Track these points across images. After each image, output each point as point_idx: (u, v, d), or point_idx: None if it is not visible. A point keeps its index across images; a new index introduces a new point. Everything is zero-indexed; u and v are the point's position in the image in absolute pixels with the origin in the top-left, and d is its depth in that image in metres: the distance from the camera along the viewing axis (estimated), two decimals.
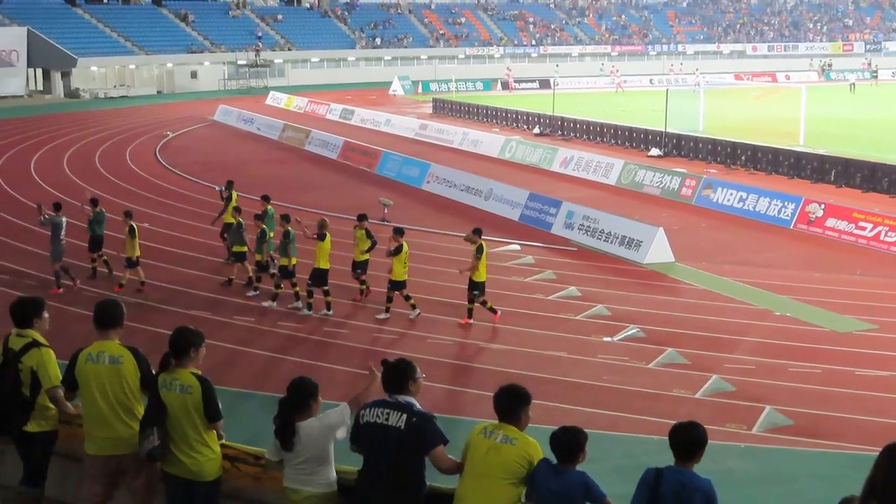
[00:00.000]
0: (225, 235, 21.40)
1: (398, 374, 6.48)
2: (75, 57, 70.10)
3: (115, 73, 76.54)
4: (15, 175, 34.92)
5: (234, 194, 22.30)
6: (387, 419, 6.36)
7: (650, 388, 14.20)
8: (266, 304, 18.38)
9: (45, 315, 7.76)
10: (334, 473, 6.75)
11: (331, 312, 17.71)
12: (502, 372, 14.20)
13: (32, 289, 18.85)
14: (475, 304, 17.20)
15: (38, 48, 70.20)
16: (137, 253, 19.25)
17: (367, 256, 18.35)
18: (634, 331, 16.77)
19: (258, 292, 19.08)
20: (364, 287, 18.71)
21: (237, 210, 20.23)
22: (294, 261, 18.23)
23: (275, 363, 15.45)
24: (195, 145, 44.87)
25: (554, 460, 6.15)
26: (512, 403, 6.30)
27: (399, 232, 17.66)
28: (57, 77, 72.94)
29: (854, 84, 72.97)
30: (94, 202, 20.89)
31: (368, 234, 18.37)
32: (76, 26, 74.86)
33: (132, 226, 19.26)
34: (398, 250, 17.21)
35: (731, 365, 15.07)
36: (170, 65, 77.37)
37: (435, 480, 6.59)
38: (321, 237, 17.71)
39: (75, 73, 72.65)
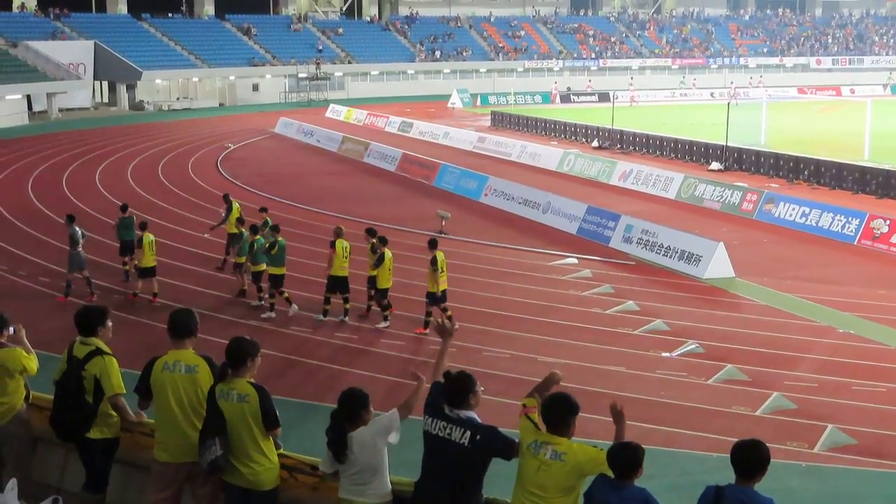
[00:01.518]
0: (230, 248, 21.73)
1: (460, 388, 6.45)
2: (140, 70, 71.30)
3: (178, 86, 77.77)
4: (81, 186, 35.61)
5: (235, 205, 22.49)
6: (449, 434, 6.35)
7: (709, 405, 14.03)
8: (291, 312, 18.56)
9: (109, 323, 7.87)
10: (389, 484, 6.75)
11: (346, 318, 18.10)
12: (559, 386, 14.08)
13: (98, 299, 19.22)
14: (444, 314, 17.27)
15: (105, 61, 71.57)
16: (151, 263, 19.46)
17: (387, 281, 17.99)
18: (693, 346, 16.59)
19: (263, 303, 19.25)
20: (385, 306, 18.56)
21: (240, 221, 20.40)
22: (282, 270, 18.57)
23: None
24: (256, 157, 45.38)
25: (610, 475, 6.09)
26: (562, 413, 6.26)
27: (382, 241, 17.84)
28: (122, 89, 74.34)
29: None
30: (122, 208, 21.40)
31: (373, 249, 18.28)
32: (141, 40, 76.17)
33: (141, 236, 19.60)
34: (381, 260, 17.48)
35: (792, 382, 14.83)
36: (232, 77, 78.41)
37: (491, 492, 6.57)
38: (333, 245, 17.99)
39: (140, 86, 73.98)
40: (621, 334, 17.49)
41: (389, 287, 17.79)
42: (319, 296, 18.65)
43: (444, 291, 17.30)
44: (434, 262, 17.14)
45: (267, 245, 18.56)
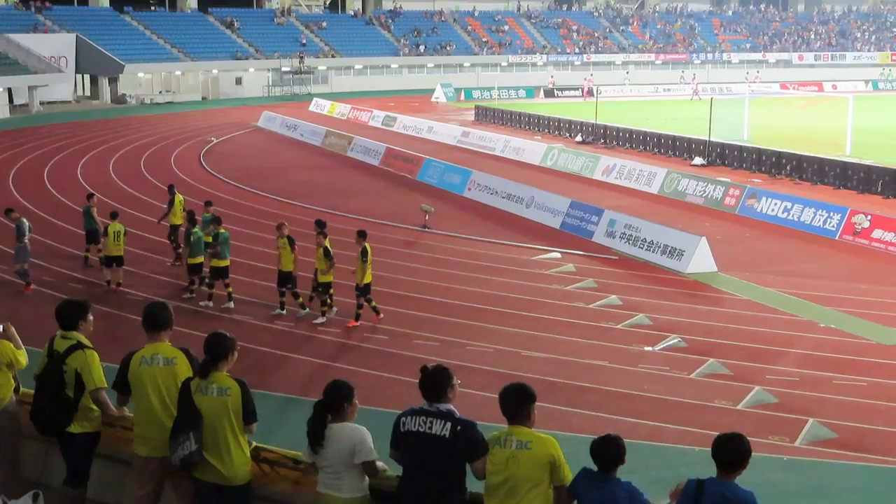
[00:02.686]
0: (172, 238, 21.93)
1: (438, 381, 6.43)
2: (122, 63, 70.93)
3: (161, 80, 77.33)
4: (62, 179, 35.41)
5: (179, 197, 22.45)
6: (430, 428, 6.33)
7: (692, 399, 14.08)
8: (203, 303, 18.61)
9: (90, 317, 7.83)
10: (366, 479, 6.72)
11: (306, 311, 17.99)
12: (542, 380, 14.11)
13: (78, 292, 19.13)
14: (365, 305, 17.29)
15: (86, 54, 71.16)
16: (114, 253, 19.50)
17: (328, 275, 17.75)
18: (676, 341, 16.64)
19: (193, 295, 19.23)
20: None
21: (190, 214, 20.47)
22: (226, 262, 18.55)
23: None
24: (239, 151, 45.22)
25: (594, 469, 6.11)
26: (521, 402, 6.25)
27: (325, 236, 17.62)
28: (104, 83, 73.88)
29: None
30: (88, 196, 21.66)
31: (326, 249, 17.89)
32: (123, 33, 75.76)
33: (107, 225, 19.66)
34: (328, 253, 17.32)
35: (774, 376, 14.89)
36: (215, 71, 78.07)
37: (472, 487, 6.57)
38: (293, 242, 17.89)
39: (122, 80, 73.53)
40: (604, 328, 17.52)
41: (330, 281, 17.59)
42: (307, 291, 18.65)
43: (367, 283, 17.22)
44: (364, 253, 17.05)
45: (210, 238, 18.59)
